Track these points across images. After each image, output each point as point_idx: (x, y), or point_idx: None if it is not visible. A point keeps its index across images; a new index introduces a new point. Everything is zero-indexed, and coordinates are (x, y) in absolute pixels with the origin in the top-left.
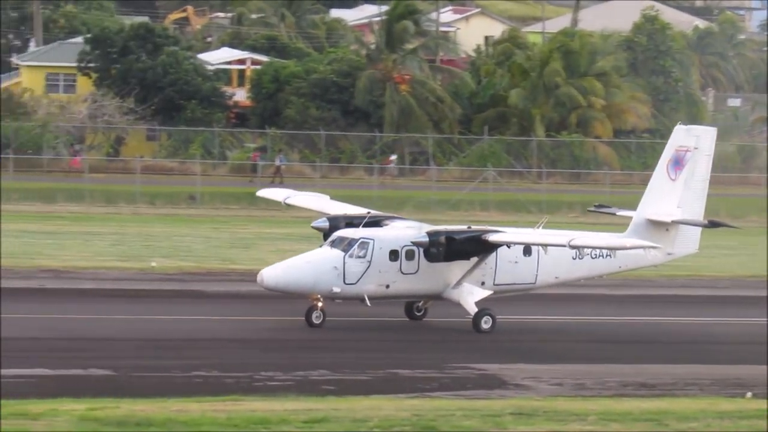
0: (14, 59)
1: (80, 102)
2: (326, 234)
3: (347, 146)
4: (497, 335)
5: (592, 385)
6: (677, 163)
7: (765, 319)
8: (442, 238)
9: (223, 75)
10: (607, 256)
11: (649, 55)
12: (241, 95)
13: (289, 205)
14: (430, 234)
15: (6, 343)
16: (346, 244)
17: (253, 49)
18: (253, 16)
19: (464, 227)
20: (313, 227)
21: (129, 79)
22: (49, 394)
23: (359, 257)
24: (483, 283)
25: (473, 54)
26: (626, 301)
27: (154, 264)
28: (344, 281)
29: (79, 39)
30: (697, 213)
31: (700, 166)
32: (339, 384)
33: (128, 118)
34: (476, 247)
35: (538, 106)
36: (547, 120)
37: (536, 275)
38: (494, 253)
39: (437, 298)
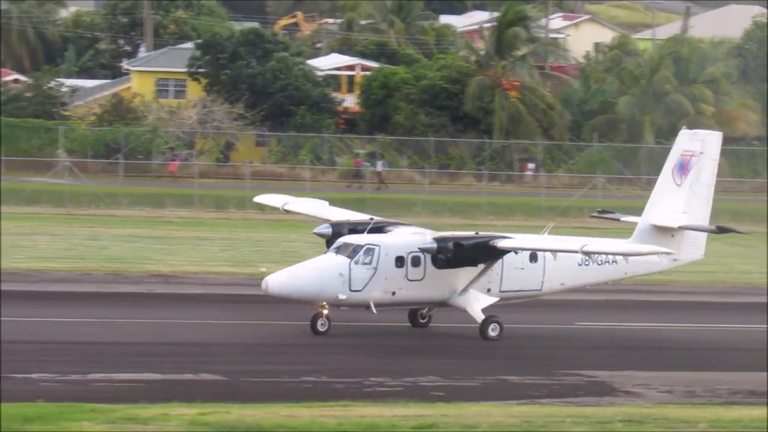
0: (125, 64)
1: (190, 107)
2: (329, 240)
3: (456, 152)
4: (601, 341)
5: (702, 392)
6: (682, 168)
7: None
8: (450, 244)
9: (332, 81)
10: (613, 262)
11: (759, 62)
12: (350, 101)
13: (287, 211)
14: (437, 240)
15: (117, 348)
16: (351, 251)
17: (363, 55)
18: (363, 22)
19: (472, 233)
20: (315, 233)
21: (239, 85)
22: (160, 399)
23: (365, 264)
24: (489, 290)
25: (583, 60)
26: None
27: (263, 269)
28: (350, 288)
29: (190, 44)
30: (703, 218)
31: (706, 171)
32: (448, 390)
33: (238, 124)
34: (484, 254)
35: (648, 113)
36: (657, 127)
37: (542, 282)
38: (500, 260)
39: (443, 305)
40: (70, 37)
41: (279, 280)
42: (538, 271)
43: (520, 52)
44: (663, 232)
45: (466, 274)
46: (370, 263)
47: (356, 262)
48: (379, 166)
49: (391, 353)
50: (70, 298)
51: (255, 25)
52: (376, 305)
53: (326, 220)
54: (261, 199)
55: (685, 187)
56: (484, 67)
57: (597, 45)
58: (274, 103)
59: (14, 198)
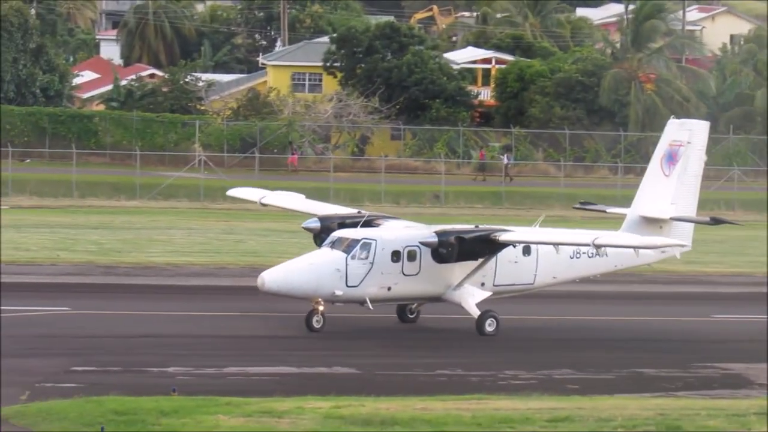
0: (261, 59)
1: (325, 101)
2: (317, 235)
3: (591, 145)
4: (736, 334)
5: None
6: (671, 158)
7: None
8: (452, 239)
9: (467, 74)
10: (603, 254)
11: None
12: (485, 94)
13: (265, 205)
14: (439, 234)
15: (252, 341)
16: (347, 245)
17: (498, 48)
18: (498, 15)
19: (472, 227)
20: (303, 228)
21: (374, 79)
22: (294, 392)
23: (361, 259)
24: (483, 284)
25: (719, 53)
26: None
27: None
28: (346, 284)
29: (325, 38)
30: (690, 209)
31: (693, 161)
32: (583, 383)
33: (373, 117)
34: (486, 247)
35: None
36: None
37: (535, 275)
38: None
39: (437, 300)
40: (206, 31)
41: (275, 277)
42: (531, 264)
43: (656, 45)
44: (651, 223)
45: (460, 268)
46: (366, 258)
47: (353, 257)
48: (505, 159)
49: (526, 346)
50: (205, 292)
51: (390, 18)
52: (372, 301)
53: (305, 214)
54: (235, 192)
55: (674, 177)
56: (619, 60)
57: (733, 37)
58: (409, 97)
59: (150, 192)
